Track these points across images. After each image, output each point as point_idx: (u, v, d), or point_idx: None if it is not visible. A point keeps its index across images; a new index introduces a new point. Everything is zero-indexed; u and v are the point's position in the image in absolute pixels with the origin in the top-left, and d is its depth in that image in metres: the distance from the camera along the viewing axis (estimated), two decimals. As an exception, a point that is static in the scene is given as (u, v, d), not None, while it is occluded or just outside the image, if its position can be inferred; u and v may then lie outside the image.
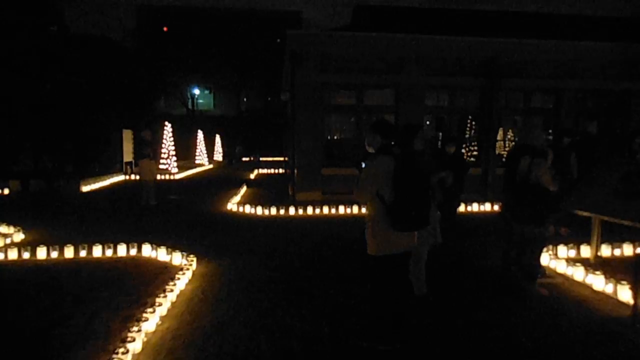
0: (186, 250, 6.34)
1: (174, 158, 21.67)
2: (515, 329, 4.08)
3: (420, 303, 4.50)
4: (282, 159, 34.31)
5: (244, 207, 10.34)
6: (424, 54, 11.96)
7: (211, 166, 28.32)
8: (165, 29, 53.51)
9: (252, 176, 19.78)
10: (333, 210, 10.08)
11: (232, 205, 10.69)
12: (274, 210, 9.93)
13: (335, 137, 12.95)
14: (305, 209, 10.00)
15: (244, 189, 14.01)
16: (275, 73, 46.51)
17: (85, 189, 14.51)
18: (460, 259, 6.32)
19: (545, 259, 5.70)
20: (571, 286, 5.21)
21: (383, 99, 12.65)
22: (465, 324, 4.15)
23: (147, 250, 6.42)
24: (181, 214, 10.05)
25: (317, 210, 10.03)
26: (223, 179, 18.93)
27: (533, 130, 4.78)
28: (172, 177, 18.34)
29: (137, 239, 6.81)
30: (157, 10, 55.73)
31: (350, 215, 9.98)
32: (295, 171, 12.01)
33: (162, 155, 21.49)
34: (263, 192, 13.94)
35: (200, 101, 53.81)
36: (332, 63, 11.76)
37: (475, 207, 10.45)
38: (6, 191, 13.68)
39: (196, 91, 50.99)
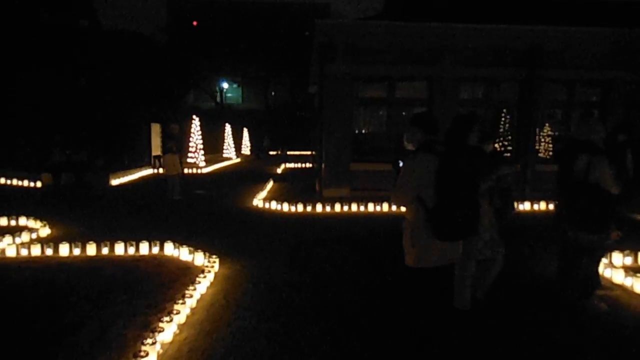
0: (209, 248, 6.07)
1: (202, 152, 21.63)
2: (570, 350, 3.59)
3: (460, 317, 4.05)
4: (309, 153, 34.09)
5: (269, 203, 10.04)
6: (460, 44, 11.33)
7: (238, 160, 28.29)
8: (195, 23, 53.77)
9: (279, 170, 19.54)
10: (362, 208, 9.66)
11: (258, 201, 10.40)
12: (300, 207, 9.58)
13: (365, 132, 12.48)
14: (332, 206, 9.61)
15: (270, 184, 13.74)
16: (303, 66, 46.05)
17: (114, 182, 14.55)
18: (508, 267, 5.81)
19: (600, 268, 5.14)
20: (631, 299, 4.65)
21: (415, 91, 12.10)
22: (511, 344, 3.69)
23: (169, 249, 6.17)
24: (206, 210, 9.83)
25: (345, 208, 9.62)
26: (250, 173, 18.75)
27: (593, 124, 4.19)
28: (199, 171, 18.29)
29: (160, 236, 6.59)
30: (187, 4, 56.09)
31: (379, 213, 9.54)
32: (323, 166, 11.63)
33: (190, 149, 21.50)
34: (290, 188, 13.63)
35: (229, 95, 54.04)
36: (362, 54, 11.28)
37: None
38: (39, 184, 13.83)
39: (225, 85, 51.26)
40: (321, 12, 51.38)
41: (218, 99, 49.42)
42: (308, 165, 22.59)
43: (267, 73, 50.49)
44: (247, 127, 35.84)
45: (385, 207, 9.66)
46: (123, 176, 15.40)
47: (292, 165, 22.71)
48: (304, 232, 7.71)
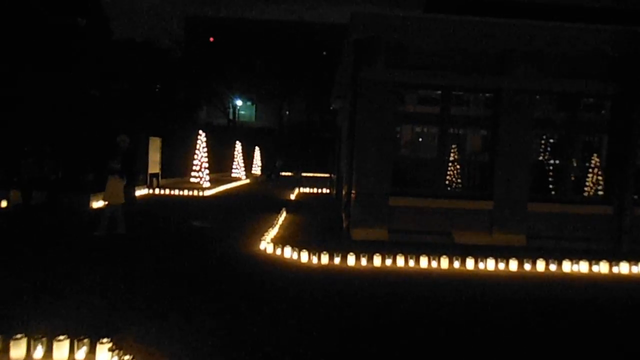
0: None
1: (207, 171, 19.01)
2: None
3: None
4: (325, 175, 31.46)
5: (282, 248, 7.22)
6: (536, 48, 8.60)
7: (248, 181, 25.61)
8: (211, 39, 52.23)
9: (292, 196, 16.77)
10: (411, 262, 6.80)
11: (267, 244, 7.57)
12: (324, 258, 6.76)
13: (410, 157, 9.69)
14: (370, 258, 6.77)
15: (282, 216, 10.96)
16: (321, 83, 44.15)
17: (97, 204, 11.88)
18: None
19: None
20: None
21: (476, 108, 9.36)
22: None
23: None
24: (188, 256, 7.04)
25: (388, 261, 6.77)
26: (259, 199, 16.00)
27: None
28: (201, 194, 15.57)
29: (99, 312, 3.79)
30: (205, 20, 54.76)
31: (437, 272, 6.65)
32: (352, 197, 8.83)
33: (194, 167, 18.91)
34: (306, 223, 10.80)
35: (242, 112, 52.09)
36: (411, 57, 8.58)
37: (604, 268, 6.86)
38: (3, 203, 11.22)
39: (238, 102, 49.24)
40: (339, 32, 49.50)
41: (231, 116, 47.36)
42: (326, 190, 19.81)
43: (282, 91, 48.52)
44: (259, 146, 33.30)
45: (443, 263, 6.79)
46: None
47: (307, 190, 19.93)
48: (341, 309, 4.84)
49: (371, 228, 8.59)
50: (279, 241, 7.95)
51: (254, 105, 54.17)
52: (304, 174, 29.94)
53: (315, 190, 19.94)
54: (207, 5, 52.93)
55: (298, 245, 7.27)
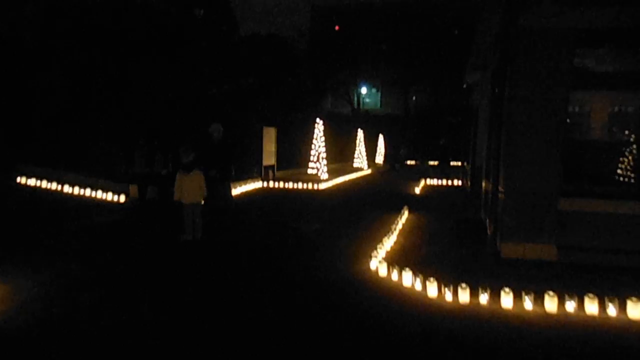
0: None
1: (324, 162, 17.52)
2: None
3: None
4: (455, 163, 28.00)
5: (399, 271, 5.05)
6: None
7: (369, 171, 23.63)
8: (337, 28, 51.26)
9: (417, 190, 14.31)
10: (611, 309, 4.11)
11: (380, 263, 5.46)
12: (460, 294, 4.43)
13: (587, 140, 6.65)
14: (534, 296, 4.26)
15: (404, 216, 8.75)
16: (449, 67, 40.08)
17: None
18: None
19: None
20: None
21: None
22: None
23: None
24: (276, 276, 5.30)
25: (569, 305, 4.18)
26: (379, 192, 13.92)
27: None
28: (316, 187, 14.04)
29: None
30: (330, 9, 54.00)
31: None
32: (501, 197, 6.23)
33: (312, 159, 17.57)
34: (434, 227, 8.40)
35: (367, 100, 50.30)
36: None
37: None
38: (122, 198, 10.99)
39: (363, 90, 47.52)
40: (471, 8, 44.39)
41: (355, 104, 45.90)
42: (456, 182, 16.90)
43: (408, 76, 45.47)
44: (382, 134, 31.08)
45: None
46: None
47: (434, 182, 17.21)
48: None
49: (531, 242, 5.92)
50: (397, 256, 5.84)
51: (379, 93, 51.98)
52: (430, 163, 26.90)
53: (444, 182, 17.13)
54: (333, -8, 51.82)
55: (423, 267, 5.07)
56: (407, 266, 5.06)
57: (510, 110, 6.08)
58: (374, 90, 50.81)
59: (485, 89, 10.18)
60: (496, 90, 7.80)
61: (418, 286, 4.74)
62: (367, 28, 45.73)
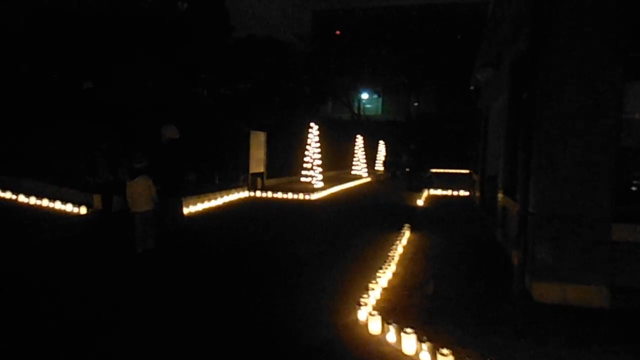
0: None
1: (319, 169, 16.04)
2: None
3: None
4: (459, 171, 26.44)
5: (399, 329, 3.55)
6: None
7: (369, 179, 22.11)
8: (337, 32, 50.04)
9: (420, 201, 12.80)
10: None
11: (372, 317, 3.91)
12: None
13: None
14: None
15: (405, 237, 7.25)
16: (452, 72, 38.69)
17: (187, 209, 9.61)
18: None
19: None
20: None
21: None
22: None
23: None
24: (226, 327, 3.80)
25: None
26: (378, 204, 12.42)
27: None
28: (307, 197, 12.53)
29: None
30: (332, 14, 52.91)
31: None
32: (533, 223, 4.72)
33: (305, 165, 16.11)
34: (442, 253, 6.86)
35: (368, 106, 48.99)
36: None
37: None
38: (83, 210, 9.56)
39: (364, 95, 46.16)
40: (474, 13, 43.05)
41: (355, 110, 44.52)
42: (462, 192, 15.40)
43: (410, 81, 44.12)
44: (384, 140, 29.59)
45: None
46: (203, 201, 10.51)
47: (438, 192, 15.70)
48: None
49: (574, 283, 4.42)
50: (395, 298, 4.37)
51: (380, 98, 50.70)
52: (434, 170, 25.24)
53: (449, 192, 15.62)
54: (334, -4, 50.63)
55: (429, 319, 3.59)
56: (408, 313, 3.62)
57: (542, 109, 4.60)
58: (375, 95, 49.51)
59: (499, 87, 8.72)
60: (519, 87, 6.33)
61: (425, 358, 3.23)
62: (368, 33, 44.51)
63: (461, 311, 4.25)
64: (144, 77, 15.04)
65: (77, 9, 15.37)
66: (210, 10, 24.89)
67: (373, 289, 4.44)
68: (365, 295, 4.22)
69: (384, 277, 5.04)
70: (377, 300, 4.42)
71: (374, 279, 4.83)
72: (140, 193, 5.93)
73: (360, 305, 4.01)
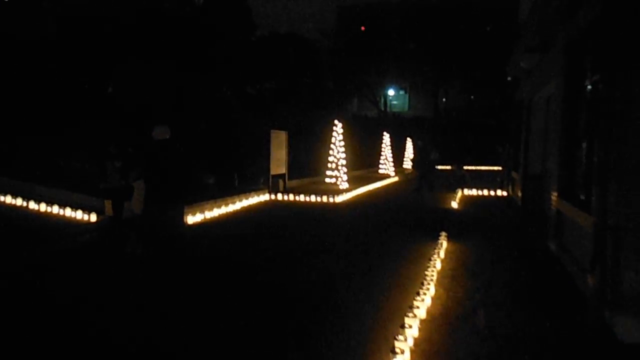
0: None
1: (344, 169, 15.12)
2: None
3: None
4: (491, 168, 24.92)
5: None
6: None
7: (396, 178, 21.00)
8: (362, 28, 48.78)
9: (454, 203, 11.67)
10: None
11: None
12: None
13: None
14: None
15: (442, 249, 6.26)
16: (481, 66, 36.98)
17: (194, 218, 8.90)
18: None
19: None
20: None
21: None
22: None
23: None
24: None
25: None
26: (408, 207, 11.41)
27: None
28: (331, 200, 11.63)
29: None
30: (357, 9, 51.58)
31: None
32: (609, 237, 3.69)
33: (329, 166, 15.22)
34: (489, 270, 5.83)
35: (394, 102, 47.61)
36: None
37: None
38: (93, 217, 8.96)
39: (391, 92, 44.87)
40: (505, 6, 41.02)
41: (382, 107, 43.30)
42: (498, 191, 14.17)
43: (437, 77, 42.54)
44: (411, 137, 28.34)
45: None
46: (220, 205, 9.76)
47: (473, 192, 14.50)
48: None
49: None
50: (437, 336, 3.45)
51: (407, 94, 49.19)
52: (466, 167, 23.78)
53: (483, 192, 14.41)
54: (360, -8, 49.23)
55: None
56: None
57: (625, 92, 3.55)
58: (401, 92, 48.10)
59: (548, 74, 7.59)
60: (576, 71, 5.25)
61: None
62: (394, 27, 43.08)
63: (524, 358, 3.27)
64: (163, 78, 14.47)
65: (101, 15, 14.98)
66: (233, 8, 24.30)
67: (410, 326, 3.51)
68: (401, 337, 3.29)
69: (423, 305, 4.11)
70: (415, 340, 3.49)
71: (411, 305, 3.91)
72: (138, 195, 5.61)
73: (395, 352, 3.09)
